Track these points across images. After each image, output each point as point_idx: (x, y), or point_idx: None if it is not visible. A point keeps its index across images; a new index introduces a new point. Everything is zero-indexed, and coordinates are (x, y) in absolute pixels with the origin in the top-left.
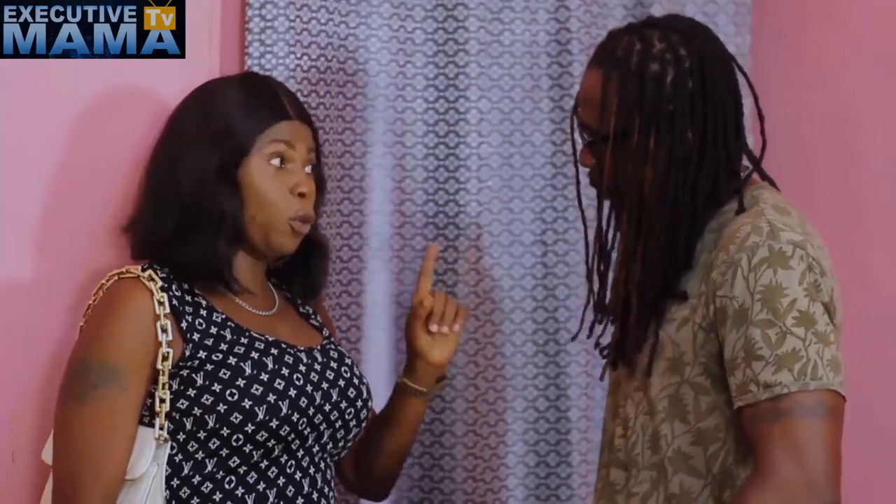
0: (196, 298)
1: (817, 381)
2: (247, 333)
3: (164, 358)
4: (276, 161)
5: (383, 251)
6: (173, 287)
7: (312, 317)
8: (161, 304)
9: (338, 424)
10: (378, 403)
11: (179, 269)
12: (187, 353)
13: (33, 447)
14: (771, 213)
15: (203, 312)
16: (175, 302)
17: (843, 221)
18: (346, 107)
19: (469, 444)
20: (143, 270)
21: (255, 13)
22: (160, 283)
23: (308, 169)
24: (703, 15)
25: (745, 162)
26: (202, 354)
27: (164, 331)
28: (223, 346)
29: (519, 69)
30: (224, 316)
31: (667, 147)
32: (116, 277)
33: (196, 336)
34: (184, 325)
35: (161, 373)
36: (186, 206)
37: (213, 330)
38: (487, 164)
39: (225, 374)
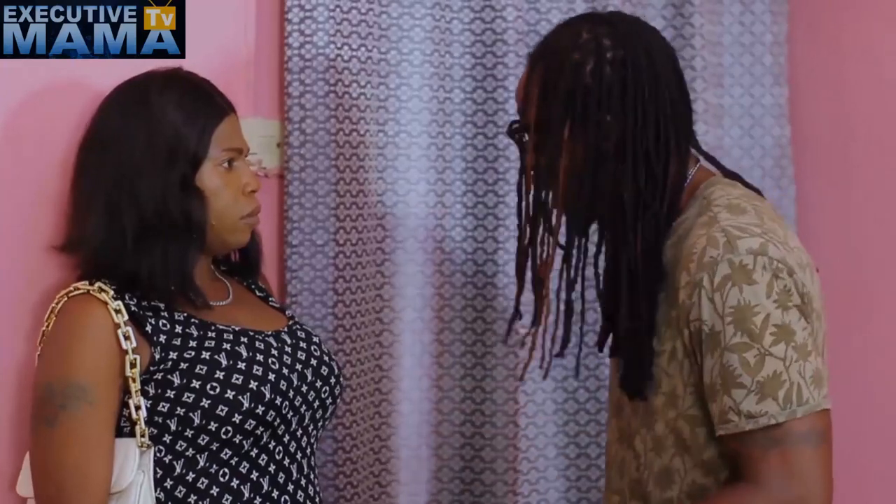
0: (152, 303)
1: (804, 406)
2: (213, 327)
3: (133, 365)
4: (226, 164)
5: (428, 242)
6: (126, 295)
7: (272, 299)
8: (118, 312)
9: (316, 404)
10: (412, 405)
11: (133, 284)
12: (157, 357)
13: (4, 473)
14: (725, 218)
15: (164, 314)
16: (134, 308)
17: (883, 214)
18: (390, 97)
19: (510, 436)
20: (92, 284)
21: (294, 3)
22: (112, 293)
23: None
24: (740, 4)
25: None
26: (173, 355)
27: (127, 338)
28: (192, 343)
29: None
30: (185, 314)
31: (581, 138)
32: (66, 298)
33: (162, 338)
34: (148, 328)
35: (131, 380)
36: (148, 221)
37: (179, 329)
38: None
39: (202, 369)
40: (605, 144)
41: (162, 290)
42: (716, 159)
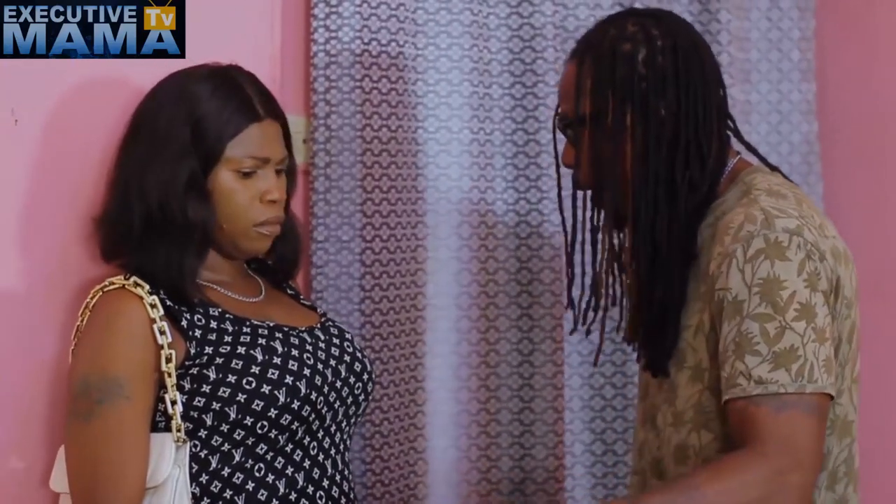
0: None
1: (813, 384)
2: (247, 322)
3: (168, 360)
4: (247, 170)
5: (473, 240)
6: (161, 291)
7: (302, 297)
8: (154, 306)
9: (349, 400)
10: (460, 406)
11: (146, 275)
12: (192, 351)
13: (36, 469)
14: (765, 200)
15: (199, 308)
16: (169, 303)
17: None
18: (429, 93)
19: (560, 432)
20: (127, 279)
21: None
22: (147, 288)
23: (280, 167)
24: None
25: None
26: (209, 350)
27: (163, 333)
28: (228, 339)
29: None
30: (220, 309)
31: (642, 125)
32: (101, 293)
33: (198, 333)
34: (183, 323)
35: (167, 375)
36: (154, 213)
37: (214, 324)
38: None
39: (237, 364)
40: (663, 130)
41: (166, 288)
42: (758, 152)
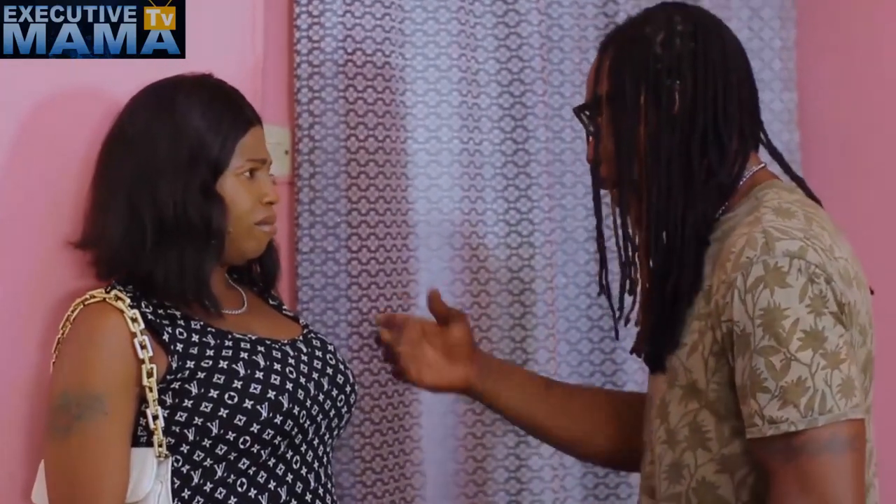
0: (169, 311)
1: (826, 415)
2: (229, 336)
3: (149, 374)
4: (247, 174)
5: (465, 250)
6: (142, 303)
7: (284, 308)
8: (135, 320)
9: (332, 413)
10: (456, 417)
11: (149, 287)
12: (174, 366)
13: (17, 481)
14: (769, 219)
15: (181, 322)
16: (151, 316)
17: (891, 218)
18: (418, 104)
19: (534, 443)
20: (108, 292)
21: (302, 10)
22: (128, 301)
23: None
24: (748, 9)
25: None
26: (190, 364)
27: (144, 347)
28: (210, 353)
29: (568, 64)
30: (202, 322)
31: (655, 106)
32: (82, 306)
33: (179, 347)
34: (165, 337)
35: (148, 389)
36: (168, 223)
37: (196, 338)
38: (560, 160)
39: (219, 378)
40: (675, 113)
41: (177, 296)
42: (786, 163)
